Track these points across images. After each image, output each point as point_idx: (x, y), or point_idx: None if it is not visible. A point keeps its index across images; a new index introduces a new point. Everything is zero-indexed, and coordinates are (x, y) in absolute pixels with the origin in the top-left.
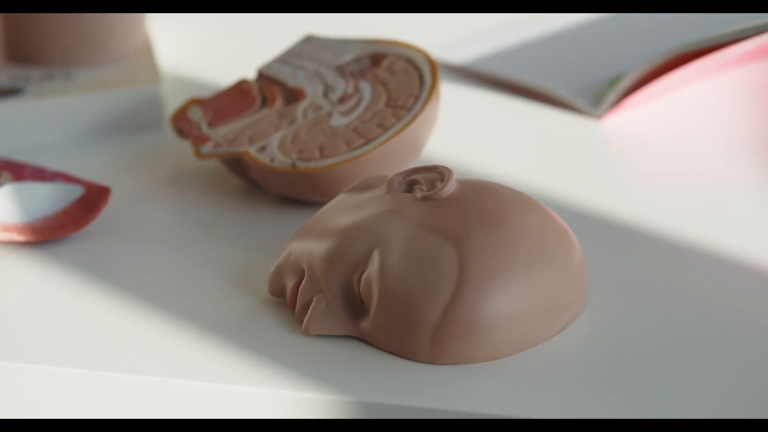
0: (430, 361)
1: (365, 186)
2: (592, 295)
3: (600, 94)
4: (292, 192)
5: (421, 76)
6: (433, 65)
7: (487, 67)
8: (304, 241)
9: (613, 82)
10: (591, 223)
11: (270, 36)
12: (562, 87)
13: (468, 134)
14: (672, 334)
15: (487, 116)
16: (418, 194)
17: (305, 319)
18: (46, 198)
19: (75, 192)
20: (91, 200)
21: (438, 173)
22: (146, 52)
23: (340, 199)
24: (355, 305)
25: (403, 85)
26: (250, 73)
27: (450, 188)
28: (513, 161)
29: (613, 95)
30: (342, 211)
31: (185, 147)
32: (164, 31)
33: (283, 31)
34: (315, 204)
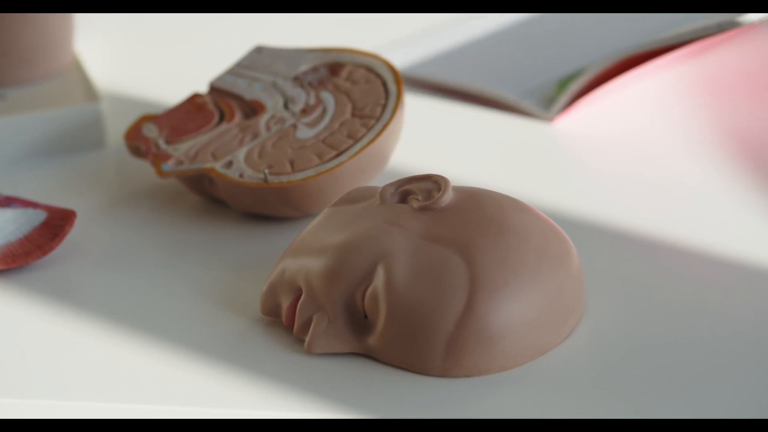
0: (444, 375)
1: (352, 199)
2: (587, 297)
3: (549, 97)
4: (263, 208)
5: (384, 85)
6: (395, 73)
7: (426, 72)
8: (299, 258)
9: (562, 84)
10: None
11: (197, 46)
12: (507, 90)
13: (420, 141)
14: (669, 331)
15: (436, 122)
16: (415, 204)
17: (308, 338)
18: (8, 224)
19: (37, 217)
20: (55, 225)
21: (433, 182)
22: (75, 67)
23: (330, 214)
24: (358, 321)
25: (367, 94)
26: (184, 85)
27: (448, 197)
28: (469, 167)
29: (564, 97)
30: (336, 226)
31: (131, 165)
32: (88, 46)
33: (209, 40)
34: (284, 219)
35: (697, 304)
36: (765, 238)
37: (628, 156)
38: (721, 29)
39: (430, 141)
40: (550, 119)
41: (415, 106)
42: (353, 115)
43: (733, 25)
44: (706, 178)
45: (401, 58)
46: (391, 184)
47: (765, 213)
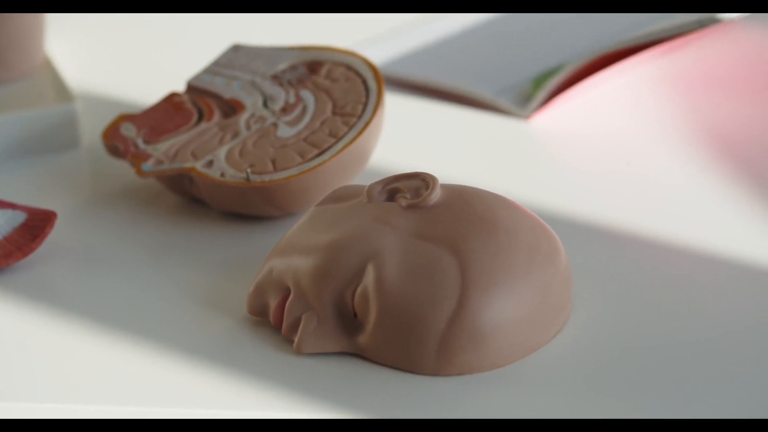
0: (436, 373)
1: (338, 198)
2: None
3: (525, 94)
4: (245, 207)
5: (364, 83)
6: (375, 70)
7: (401, 70)
8: (287, 257)
9: (538, 81)
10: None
11: (172, 45)
12: (483, 88)
13: (398, 139)
14: (656, 328)
15: (413, 120)
16: (403, 202)
17: (297, 338)
18: None
19: (17, 218)
20: (35, 226)
21: (421, 180)
22: (47, 68)
23: (316, 213)
24: (348, 320)
25: (347, 92)
26: (159, 84)
27: (436, 195)
28: (447, 165)
29: (541, 95)
30: (323, 225)
31: (107, 165)
32: (59, 46)
33: (183, 39)
34: (266, 219)
35: (681, 300)
36: (746, 233)
37: (605, 153)
38: (700, 26)
39: (408, 139)
40: (526, 117)
41: (390, 104)
42: (334, 113)
43: (713, 22)
44: (683, 175)
45: (376, 56)
46: (378, 183)
47: (745, 209)
